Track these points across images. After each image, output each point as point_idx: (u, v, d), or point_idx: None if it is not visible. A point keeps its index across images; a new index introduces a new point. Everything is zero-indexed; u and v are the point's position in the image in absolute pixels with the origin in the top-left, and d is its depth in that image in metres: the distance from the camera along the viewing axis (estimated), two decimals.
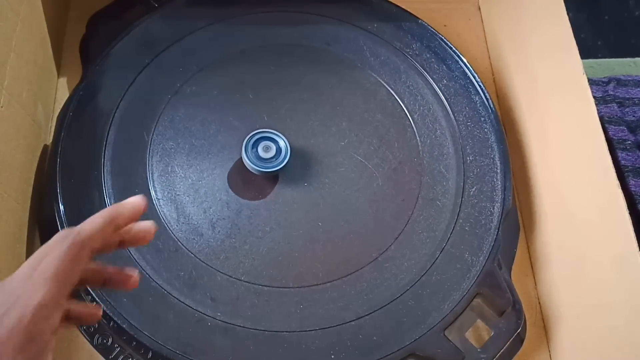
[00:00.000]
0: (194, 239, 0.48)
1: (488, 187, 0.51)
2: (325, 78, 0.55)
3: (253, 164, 0.49)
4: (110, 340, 0.45)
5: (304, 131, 0.52)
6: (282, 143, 0.49)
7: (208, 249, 0.47)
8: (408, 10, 0.60)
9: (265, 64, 0.55)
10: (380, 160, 0.52)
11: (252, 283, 0.46)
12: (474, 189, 0.51)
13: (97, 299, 0.45)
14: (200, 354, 0.44)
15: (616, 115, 0.60)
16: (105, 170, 0.49)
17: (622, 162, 0.57)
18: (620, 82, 0.64)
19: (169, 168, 0.50)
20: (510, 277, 0.49)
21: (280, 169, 0.49)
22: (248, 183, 0.50)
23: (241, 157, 0.49)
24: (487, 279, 0.47)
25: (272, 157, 0.49)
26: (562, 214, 0.50)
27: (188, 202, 0.49)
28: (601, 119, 0.57)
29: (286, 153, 0.49)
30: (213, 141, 0.52)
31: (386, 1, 0.60)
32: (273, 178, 0.51)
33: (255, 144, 0.49)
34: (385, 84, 0.55)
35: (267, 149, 0.49)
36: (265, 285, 0.46)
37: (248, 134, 0.49)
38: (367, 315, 0.46)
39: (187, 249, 0.47)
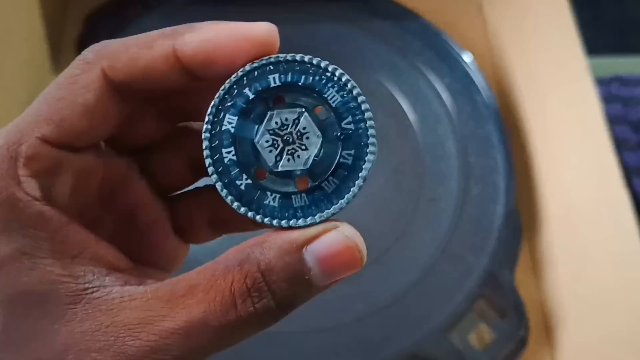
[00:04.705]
0: None
1: (490, 188, 0.51)
2: None
3: None
4: None
5: None
6: None
7: (208, 249, 0.47)
8: (409, 8, 0.59)
9: None
10: (381, 160, 0.51)
11: None
12: (476, 190, 0.51)
13: None
14: None
15: (619, 115, 0.60)
16: None
17: (626, 161, 0.56)
18: (623, 81, 0.63)
19: None
20: (513, 278, 0.49)
21: None
22: None
23: None
24: (489, 280, 0.47)
25: None
26: (566, 215, 0.50)
27: None
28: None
29: None
30: None
31: (387, 0, 0.60)
32: None
33: None
34: (386, 83, 0.55)
35: None
36: None
37: None
38: (367, 315, 0.45)
39: None
